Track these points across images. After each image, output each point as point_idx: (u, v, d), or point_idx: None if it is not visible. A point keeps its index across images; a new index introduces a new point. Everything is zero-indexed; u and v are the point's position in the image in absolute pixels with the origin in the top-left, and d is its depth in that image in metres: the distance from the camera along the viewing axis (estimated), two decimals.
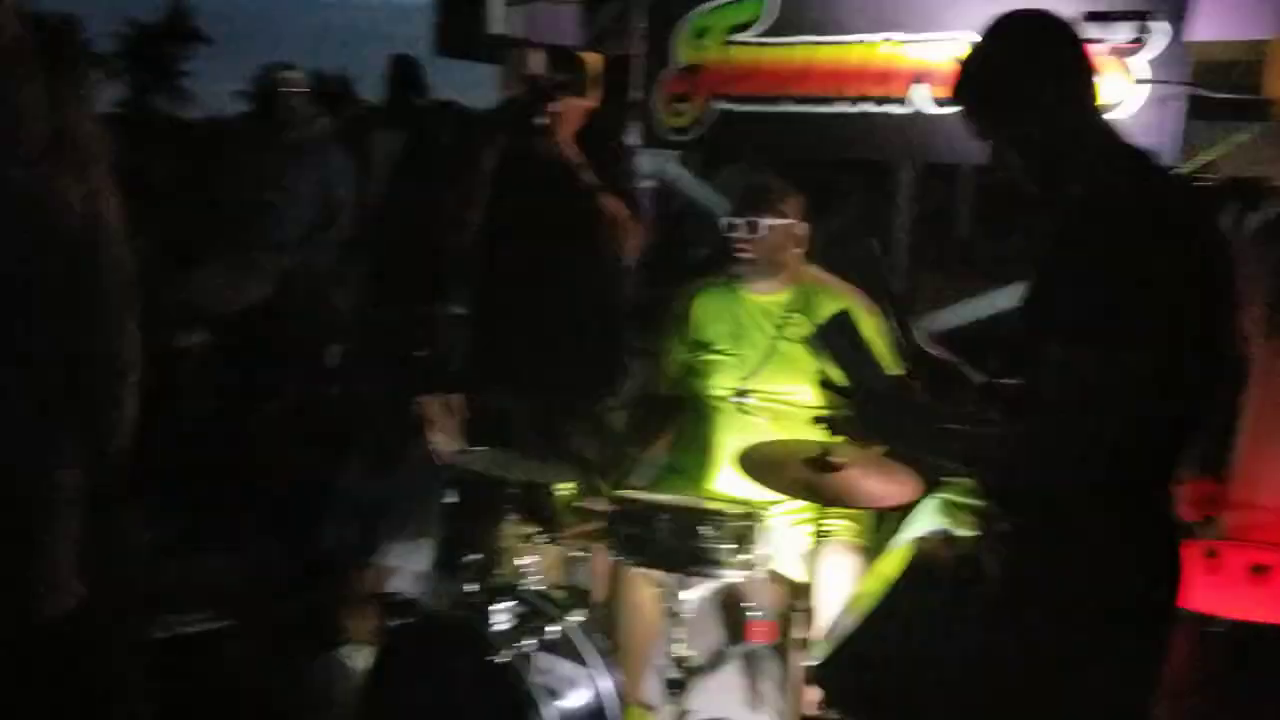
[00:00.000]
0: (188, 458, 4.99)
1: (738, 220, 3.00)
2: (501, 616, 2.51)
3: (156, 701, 3.13)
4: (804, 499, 2.58)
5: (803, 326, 2.95)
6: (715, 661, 2.91)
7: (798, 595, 2.73)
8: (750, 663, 2.94)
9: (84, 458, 1.50)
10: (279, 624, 3.24)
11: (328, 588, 3.27)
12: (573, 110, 3.40)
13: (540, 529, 2.73)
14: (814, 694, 2.48)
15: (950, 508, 2.52)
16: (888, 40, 3.90)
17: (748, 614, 2.64)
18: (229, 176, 5.05)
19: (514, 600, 2.59)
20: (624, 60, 4.40)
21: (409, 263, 4.88)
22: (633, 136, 4.46)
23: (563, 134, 3.37)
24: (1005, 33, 1.86)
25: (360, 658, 2.92)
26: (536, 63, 3.60)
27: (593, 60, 3.59)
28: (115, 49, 25.01)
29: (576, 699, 2.47)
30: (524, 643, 2.47)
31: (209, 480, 4.61)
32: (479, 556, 2.80)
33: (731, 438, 2.95)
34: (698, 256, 5.45)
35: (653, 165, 4.56)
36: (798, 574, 2.82)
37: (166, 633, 3.30)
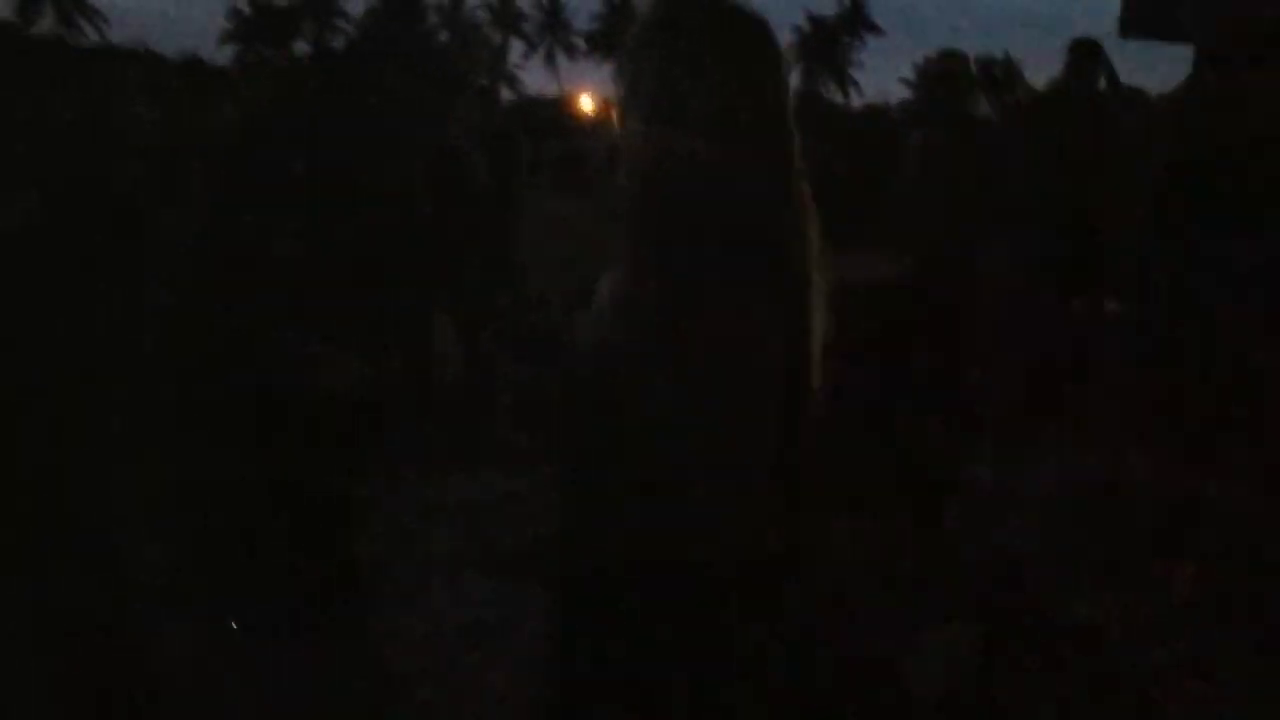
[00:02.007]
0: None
1: None
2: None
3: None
4: None
5: None
6: None
7: None
8: None
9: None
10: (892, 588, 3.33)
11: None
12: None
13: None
14: None
15: None
16: None
17: None
18: (890, 160, 5.21)
19: None
20: None
21: (1064, 252, 4.70)
22: None
23: (1265, 112, 3.01)
24: None
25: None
26: (1235, 37, 3.24)
27: None
28: (795, 40, 27.08)
29: None
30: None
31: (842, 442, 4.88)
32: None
33: None
34: None
35: None
36: None
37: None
